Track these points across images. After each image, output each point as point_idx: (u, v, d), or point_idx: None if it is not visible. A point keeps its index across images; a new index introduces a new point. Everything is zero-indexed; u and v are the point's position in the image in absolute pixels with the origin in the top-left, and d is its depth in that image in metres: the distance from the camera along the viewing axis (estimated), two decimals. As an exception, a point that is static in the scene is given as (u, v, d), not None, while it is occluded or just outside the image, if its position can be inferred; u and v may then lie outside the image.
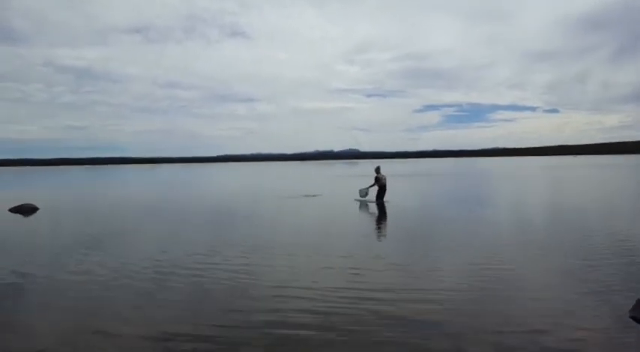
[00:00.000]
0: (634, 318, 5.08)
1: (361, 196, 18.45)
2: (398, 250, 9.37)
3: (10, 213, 16.92)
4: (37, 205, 17.95)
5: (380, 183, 17.69)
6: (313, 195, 22.50)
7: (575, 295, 5.99)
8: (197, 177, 58.73)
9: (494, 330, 4.94)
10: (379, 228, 12.85)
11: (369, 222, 14.09)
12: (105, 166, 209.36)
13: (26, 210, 17.35)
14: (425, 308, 5.66)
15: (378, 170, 17.95)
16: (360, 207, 17.03)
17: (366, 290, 6.40)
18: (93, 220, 15.42)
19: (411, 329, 5.01)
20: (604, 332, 4.80)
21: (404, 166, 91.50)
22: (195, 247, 9.65)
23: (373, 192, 17.85)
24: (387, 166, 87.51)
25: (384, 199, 17.48)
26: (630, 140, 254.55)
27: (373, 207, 16.66)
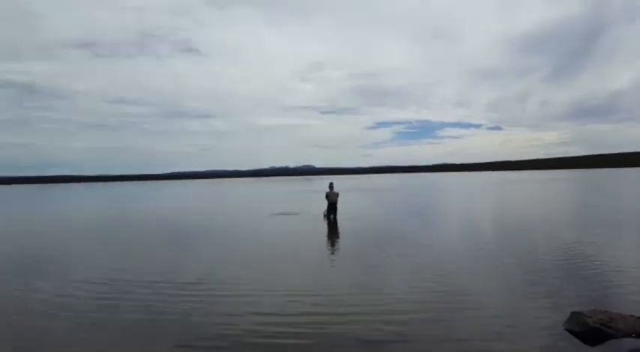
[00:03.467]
0: (568, 330, 5.19)
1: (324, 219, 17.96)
2: (344, 269, 9.26)
3: None
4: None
5: (330, 200, 17.65)
6: (288, 213, 22.15)
7: (514, 309, 6.09)
8: (146, 195, 56.51)
9: (433, 345, 4.89)
10: (328, 245, 12.71)
11: (318, 239, 13.89)
12: (51, 185, 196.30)
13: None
14: (359, 320, 5.55)
15: (330, 186, 17.96)
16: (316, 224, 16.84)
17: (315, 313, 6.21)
18: (42, 240, 14.51)
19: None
20: (539, 345, 4.85)
21: (357, 182, 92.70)
22: (146, 271, 9.09)
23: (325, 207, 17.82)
24: (342, 182, 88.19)
25: (337, 216, 17.49)
26: (568, 156, 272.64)
27: (322, 225, 16.49)
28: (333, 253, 11.29)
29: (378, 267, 9.08)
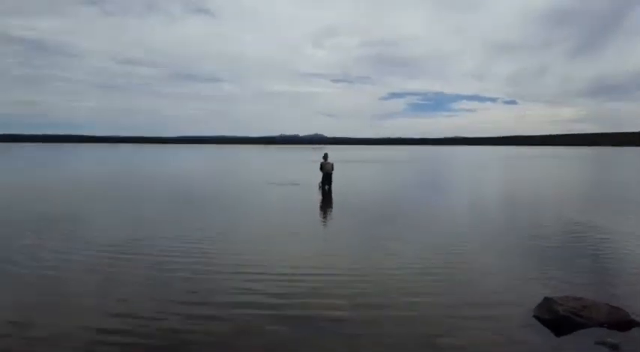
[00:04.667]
0: (537, 317, 4.88)
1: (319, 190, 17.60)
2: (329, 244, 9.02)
3: None
4: None
5: (325, 170, 17.30)
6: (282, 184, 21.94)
7: (487, 293, 5.78)
8: (152, 158, 56.64)
9: (398, 333, 4.62)
10: (319, 216, 12.46)
11: (310, 210, 13.63)
12: (61, 144, 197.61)
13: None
14: (327, 302, 5.30)
15: (325, 157, 17.59)
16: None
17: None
18: (56, 201, 14.67)
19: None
20: (504, 334, 4.55)
21: (368, 153, 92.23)
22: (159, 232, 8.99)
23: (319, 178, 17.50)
24: (352, 153, 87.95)
25: (332, 186, 17.20)
26: (582, 132, 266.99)
27: (317, 196, 16.19)
28: (321, 226, 11.05)
29: (356, 244, 8.82)
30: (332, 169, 17.46)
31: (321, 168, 17.42)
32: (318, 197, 15.73)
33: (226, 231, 9.84)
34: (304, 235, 9.51)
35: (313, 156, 59.90)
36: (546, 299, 5.00)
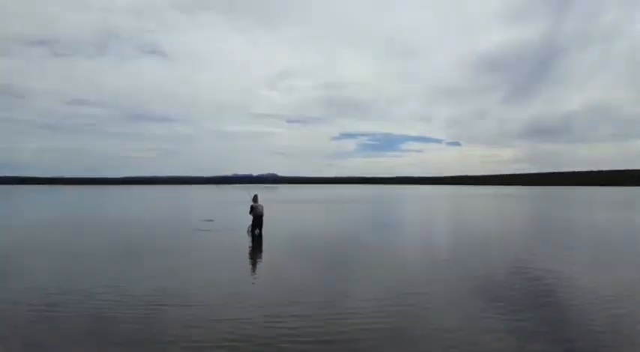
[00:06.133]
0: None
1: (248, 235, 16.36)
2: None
3: None
4: None
5: (255, 213, 16.12)
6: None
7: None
8: (88, 201, 53.00)
9: None
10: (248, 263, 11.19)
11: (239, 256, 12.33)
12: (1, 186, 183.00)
13: None
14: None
15: (255, 198, 16.45)
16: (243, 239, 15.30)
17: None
18: None
19: None
20: None
21: (320, 191, 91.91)
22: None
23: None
24: (304, 191, 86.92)
25: (262, 231, 16.04)
26: (522, 173, 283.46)
27: (246, 241, 14.93)
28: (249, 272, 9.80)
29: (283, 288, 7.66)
30: (262, 211, 16.32)
31: (251, 210, 16.21)
32: (247, 243, 14.49)
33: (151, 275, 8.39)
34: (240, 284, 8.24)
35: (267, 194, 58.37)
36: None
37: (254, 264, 11.28)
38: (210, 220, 22.26)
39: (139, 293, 7.90)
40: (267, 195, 55.02)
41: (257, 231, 16.02)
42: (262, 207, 16.35)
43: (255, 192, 17.22)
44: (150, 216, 27.31)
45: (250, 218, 16.29)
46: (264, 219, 16.34)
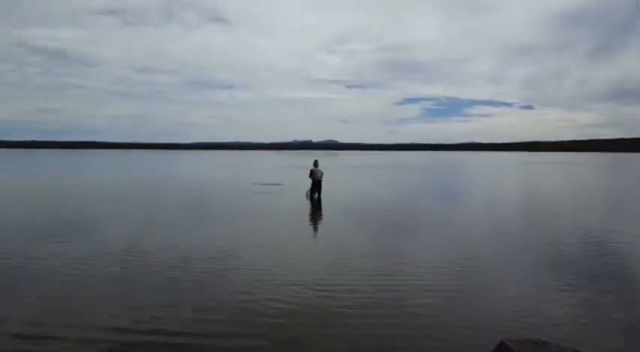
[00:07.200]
0: (490, 366, 4.04)
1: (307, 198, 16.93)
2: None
3: None
4: None
5: (314, 178, 16.55)
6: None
7: (441, 331, 4.96)
8: (163, 164, 56.66)
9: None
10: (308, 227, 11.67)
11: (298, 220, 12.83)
12: (80, 151, 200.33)
13: None
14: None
15: (315, 163, 16.85)
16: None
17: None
18: (66, 207, 14.75)
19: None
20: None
21: (381, 158, 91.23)
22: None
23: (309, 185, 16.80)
24: (365, 158, 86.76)
25: (321, 194, 16.50)
26: (603, 138, 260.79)
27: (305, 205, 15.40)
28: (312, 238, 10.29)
29: (334, 256, 8.02)
30: (321, 176, 16.70)
31: (311, 175, 16.68)
32: (307, 206, 14.98)
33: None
34: (299, 248, 8.74)
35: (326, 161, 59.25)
36: (502, 344, 4.15)
37: (313, 228, 11.64)
38: (279, 184, 23.17)
39: (199, 254, 8.42)
40: (326, 162, 55.59)
41: (316, 195, 16.49)
42: (322, 173, 16.73)
43: (316, 158, 17.59)
44: (220, 180, 28.74)
45: (309, 182, 16.76)
46: (323, 183, 16.75)
